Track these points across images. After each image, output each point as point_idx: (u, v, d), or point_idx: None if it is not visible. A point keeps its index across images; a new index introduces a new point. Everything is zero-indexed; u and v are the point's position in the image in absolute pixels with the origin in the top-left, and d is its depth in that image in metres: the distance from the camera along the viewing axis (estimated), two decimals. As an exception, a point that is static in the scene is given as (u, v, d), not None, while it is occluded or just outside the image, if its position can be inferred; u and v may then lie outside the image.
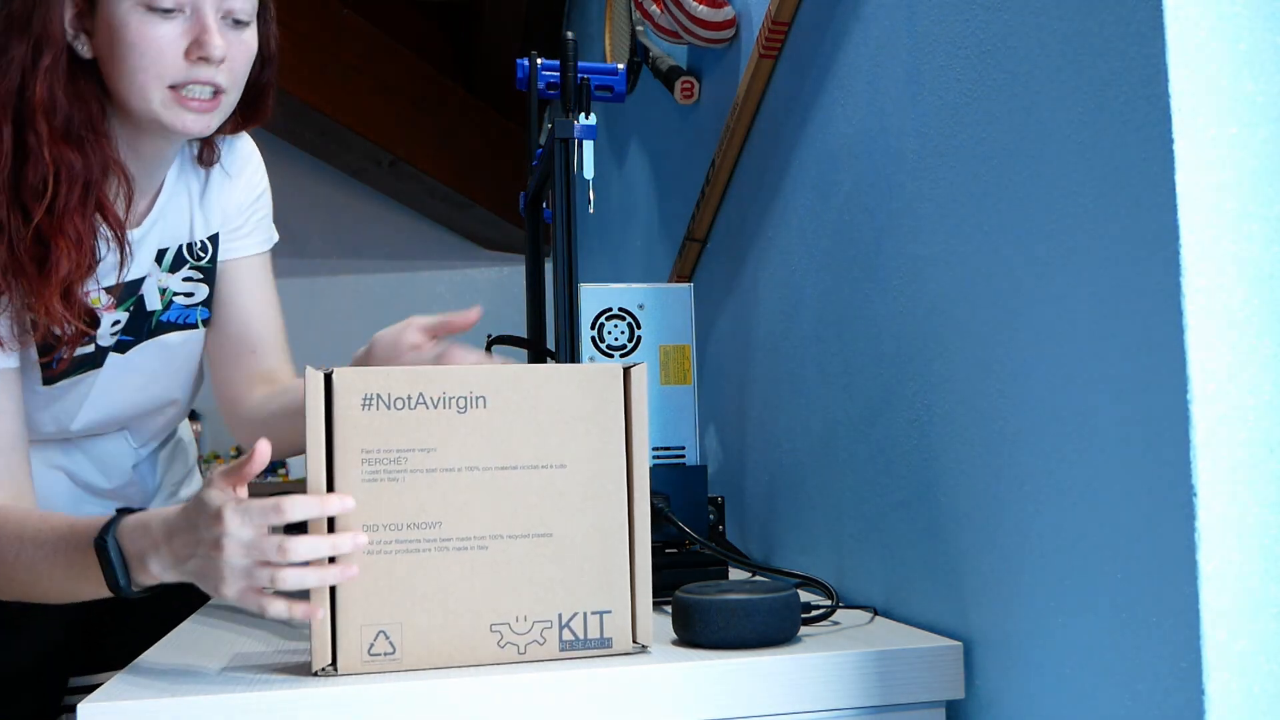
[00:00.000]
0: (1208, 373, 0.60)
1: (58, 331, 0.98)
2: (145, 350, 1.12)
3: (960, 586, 0.86)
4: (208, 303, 1.17)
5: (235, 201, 1.17)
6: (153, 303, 1.11)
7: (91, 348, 1.06)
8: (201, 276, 1.15)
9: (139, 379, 1.13)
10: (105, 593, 0.85)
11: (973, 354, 0.83)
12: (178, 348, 1.15)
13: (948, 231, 0.87)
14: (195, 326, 1.16)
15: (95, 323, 1.05)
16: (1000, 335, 0.80)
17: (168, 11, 0.94)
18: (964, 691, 0.83)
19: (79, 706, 0.71)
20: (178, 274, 1.13)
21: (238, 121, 1.09)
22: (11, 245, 0.93)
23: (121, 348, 1.10)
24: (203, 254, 1.15)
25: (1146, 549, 0.63)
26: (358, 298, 4.07)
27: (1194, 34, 0.61)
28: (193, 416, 3.85)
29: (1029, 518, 0.76)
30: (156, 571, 0.82)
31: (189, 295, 1.15)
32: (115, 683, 0.77)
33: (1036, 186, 0.74)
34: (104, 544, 0.83)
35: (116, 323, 1.08)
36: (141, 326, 1.11)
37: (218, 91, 0.98)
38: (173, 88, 0.96)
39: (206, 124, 0.99)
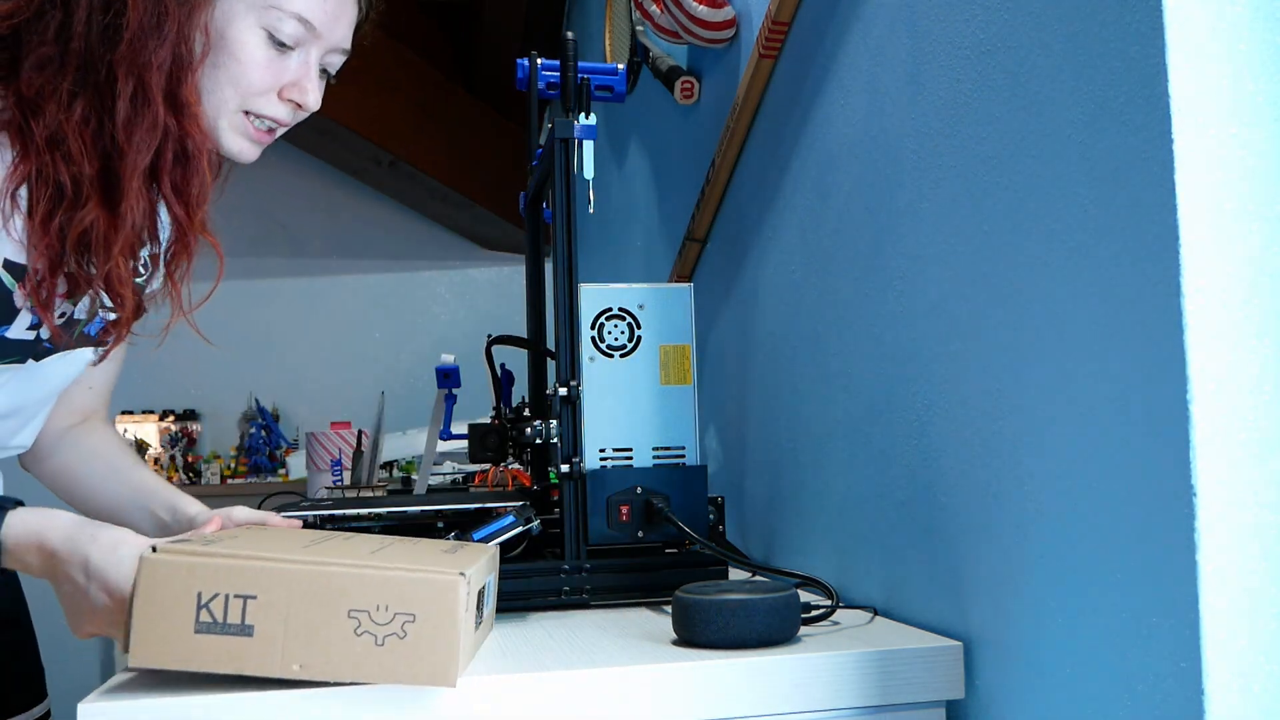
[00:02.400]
0: (1208, 373, 0.60)
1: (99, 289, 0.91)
2: (53, 364, 0.99)
3: (960, 586, 0.86)
4: None
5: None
6: (82, 310, 0.97)
7: (32, 335, 0.95)
8: None
9: (34, 395, 1.01)
10: None
11: (973, 354, 0.84)
12: (75, 369, 1.02)
13: (948, 231, 0.87)
14: (96, 342, 1.02)
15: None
16: (1000, 335, 0.80)
17: (284, 46, 0.93)
18: (964, 691, 0.83)
19: (79, 706, 0.71)
20: None
21: None
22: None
23: (40, 354, 0.97)
24: (143, 270, 1.02)
25: (1146, 549, 0.63)
26: (358, 298, 4.06)
27: (1194, 34, 0.61)
28: (192, 416, 3.85)
29: (1029, 518, 0.76)
30: (31, 564, 0.84)
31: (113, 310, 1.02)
32: (115, 682, 0.77)
33: (1036, 186, 0.74)
34: None
35: (63, 315, 0.95)
36: (64, 334, 0.98)
37: (277, 128, 0.97)
38: (246, 112, 0.94)
39: (254, 155, 0.97)
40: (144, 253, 1.02)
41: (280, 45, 0.93)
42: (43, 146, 0.86)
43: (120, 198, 0.87)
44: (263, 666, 0.72)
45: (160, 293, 1.00)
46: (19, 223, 0.88)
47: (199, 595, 0.72)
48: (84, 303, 0.96)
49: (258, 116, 0.95)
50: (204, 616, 0.71)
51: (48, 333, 0.95)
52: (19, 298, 0.90)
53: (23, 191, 0.88)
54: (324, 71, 0.99)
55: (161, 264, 0.98)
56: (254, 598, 0.72)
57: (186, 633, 0.71)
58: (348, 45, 0.98)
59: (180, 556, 0.73)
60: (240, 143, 0.96)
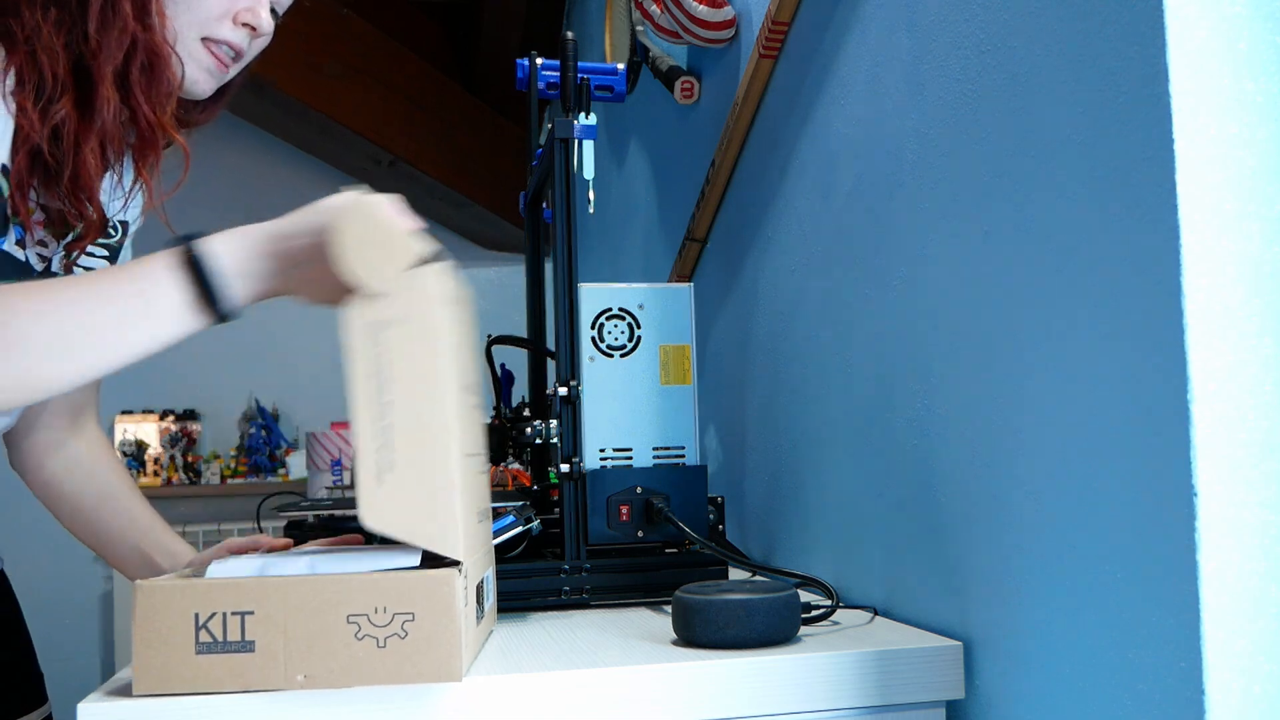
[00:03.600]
0: (1208, 373, 0.60)
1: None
2: None
3: (960, 586, 0.86)
4: None
5: (141, 204, 1.12)
6: (58, 264, 1.00)
7: (22, 256, 0.95)
8: (106, 254, 1.05)
9: None
10: (174, 326, 0.76)
11: (972, 354, 0.83)
12: None
13: (948, 231, 0.87)
14: None
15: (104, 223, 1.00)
16: (1000, 335, 0.80)
17: None
18: (964, 691, 0.83)
19: (79, 706, 0.71)
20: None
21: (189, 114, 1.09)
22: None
23: None
24: (113, 232, 1.06)
25: (1146, 549, 0.63)
26: (357, 298, 4.06)
27: (1194, 34, 0.61)
28: (192, 416, 3.85)
29: (1029, 518, 0.76)
30: (264, 279, 0.78)
31: (89, 270, 1.02)
32: (115, 682, 0.77)
33: (1036, 186, 0.74)
34: (193, 254, 0.75)
35: (43, 243, 0.97)
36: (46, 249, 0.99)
37: (236, 58, 1.02)
38: (204, 39, 0.99)
39: (211, 87, 1.02)
40: (116, 216, 1.04)
41: None
42: (23, 45, 0.90)
43: (93, 97, 0.92)
44: (267, 681, 0.72)
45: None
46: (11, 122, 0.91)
47: (196, 616, 0.72)
48: (59, 254, 0.98)
49: (215, 44, 1.00)
50: (204, 637, 0.72)
51: (37, 262, 0.96)
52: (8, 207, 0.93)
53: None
54: (273, 12, 1.04)
55: (130, 159, 1.02)
56: (251, 613, 0.72)
57: (188, 655, 0.72)
58: None
59: (174, 579, 0.73)
60: (198, 73, 1.01)
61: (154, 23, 0.95)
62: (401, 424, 0.75)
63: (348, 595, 0.72)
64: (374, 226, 0.77)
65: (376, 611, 0.72)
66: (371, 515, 0.74)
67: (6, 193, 0.90)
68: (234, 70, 1.04)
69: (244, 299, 0.78)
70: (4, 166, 0.90)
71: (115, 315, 0.76)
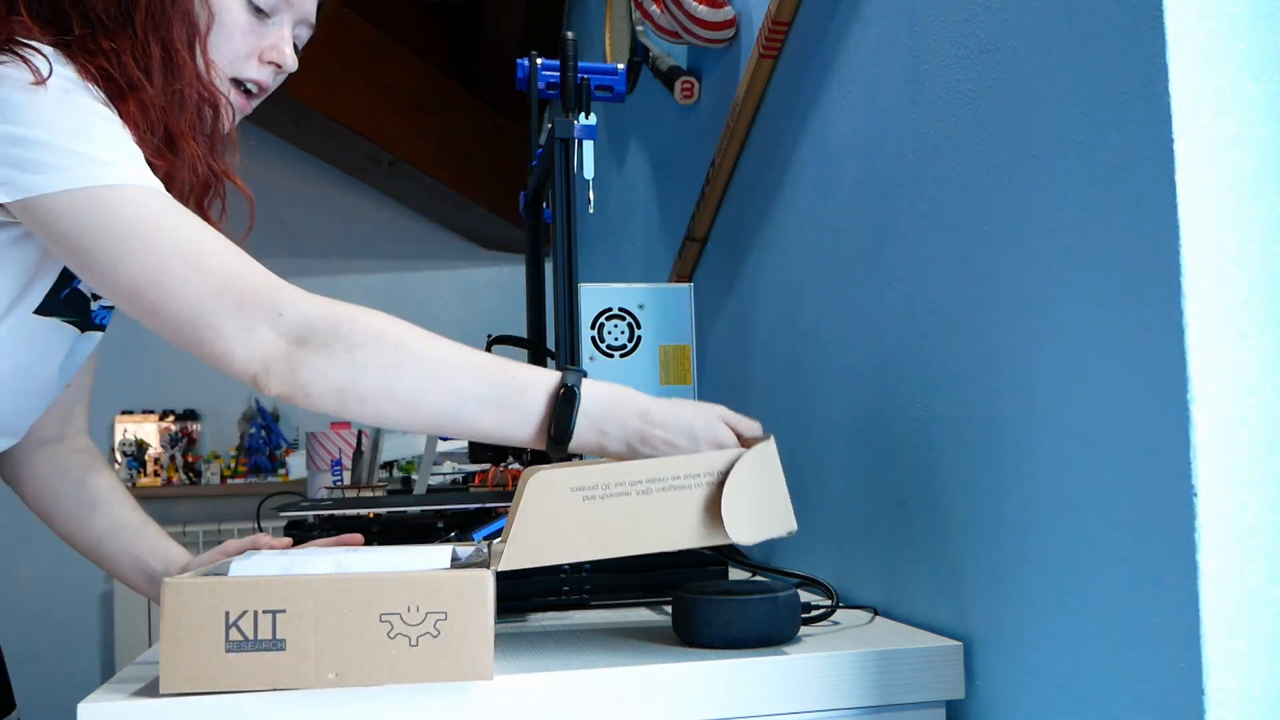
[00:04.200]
0: (1208, 373, 0.60)
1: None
2: (79, 343, 1.00)
3: (960, 586, 0.86)
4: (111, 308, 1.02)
5: None
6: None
7: (91, 297, 0.96)
8: None
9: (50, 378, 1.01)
10: (515, 432, 0.82)
11: (972, 354, 0.84)
12: (79, 353, 1.02)
13: (948, 231, 0.87)
14: (102, 329, 1.03)
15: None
16: (1000, 335, 0.80)
17: (261, 13, 0.99)
18: (964, 691, 0.83)
19: (79, 706, 0.71)
20: None
21: None
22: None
23: (83, 326, 0.99)
24: None
25: (1146, 549, 0.63)
26: (358, 298, 4.04)
27: (1194, 34, 0.61)
28: (192, 416, 3.85)
29: (1029, 518, 0.76)
30: (610, 440, 0.82)
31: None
32: (115, 682, 0.77)
33: (1036, 186, 0.74)
34: (573, 395, 0.80)
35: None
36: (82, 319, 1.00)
37: (260, 93, 1.03)
38: (233, 80, 1.00)
39: (235, 119, 1.03)
40: None
41: (259, 12, 0.99)
42: (129, 93, 0.90)
43: (176, 149, 0.93)
44: (298, 679, 0.72)
45: None
46: None
47: (227, 614, 0.72)
48: None
49: (242, 85, 1.01)
50: (234, 635, 0.71)
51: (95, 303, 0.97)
52: None
53: None
54: (294, 47, 1.05)
55: (190, 203, 1.02)
56: (283, 611, 0.72)
57: (218, 654, 0.71)
58: (313, 19, 1.06)
59: (204, 578, 0.73)
60: (229, 108, 1.01)
61: (201, 67, 0.96)
62: (640, 504, 0.80)
63: (381, 594, 0.72)
64: (772, 498, 0.83)
65: (410, 610, 0.73)
66: (545, 479, 0.78)
67: None
68: (253, 104, 1.04)
69: (582, 446, 0.82)
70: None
71: (481, 389, 0.82)
